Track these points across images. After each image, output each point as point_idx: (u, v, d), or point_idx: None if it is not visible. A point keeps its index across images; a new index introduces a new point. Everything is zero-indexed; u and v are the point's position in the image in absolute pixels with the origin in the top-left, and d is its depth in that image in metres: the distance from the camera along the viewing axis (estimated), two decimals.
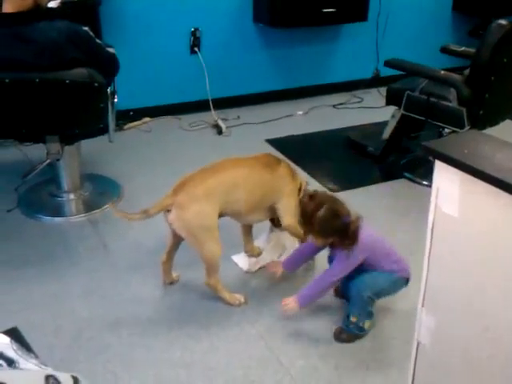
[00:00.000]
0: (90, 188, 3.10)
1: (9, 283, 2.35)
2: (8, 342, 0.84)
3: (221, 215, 2.22)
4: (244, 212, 2.28)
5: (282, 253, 2.45)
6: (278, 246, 2.48)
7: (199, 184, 2.14)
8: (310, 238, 2.11)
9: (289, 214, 2.29)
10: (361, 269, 2.06)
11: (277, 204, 2.30)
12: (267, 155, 2.38)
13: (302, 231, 2.22)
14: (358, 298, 2.05)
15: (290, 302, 2.07)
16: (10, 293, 2.29)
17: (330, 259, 2.19)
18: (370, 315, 2.09)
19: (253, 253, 2.53)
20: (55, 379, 0.76)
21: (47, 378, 0.75)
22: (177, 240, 2.26)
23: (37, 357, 0.96)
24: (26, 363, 0.81)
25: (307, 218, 2.01)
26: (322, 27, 4.39)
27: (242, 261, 2.50)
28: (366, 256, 2.03)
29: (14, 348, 0.83)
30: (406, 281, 2.11)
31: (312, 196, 2.04)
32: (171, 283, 2.37)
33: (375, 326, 2.15)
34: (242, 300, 2.27)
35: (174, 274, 2.40)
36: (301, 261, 2.29)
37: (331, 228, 1.99)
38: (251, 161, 2.32)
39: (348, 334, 2.10)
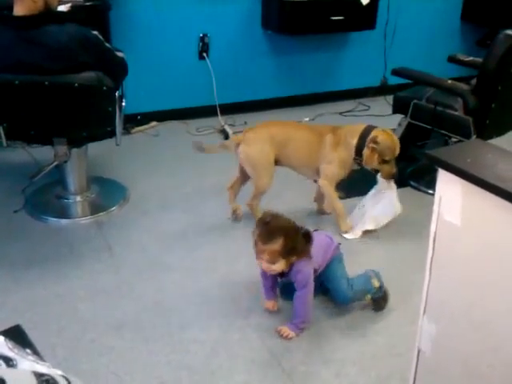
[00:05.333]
0: (96, 190, 3.12)
1: (13, 283, 2.37)
2: (2, 341, 0.84)
3: (278, 162, 2.76)
4: (294, 164, 2.82)
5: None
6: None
7: (264, 128, 2.78)
8: (275, 267, 2.10)
9: (324, 176, 2.75)
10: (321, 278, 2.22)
11: (320, 166, 2.75)
12: (326, 126, 2.84)
13: (333, 193, 2.76)
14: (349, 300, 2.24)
15: (287, 332, 2.12)
16: (15, 293, 2.31)
17: (284, 284, 2.26)
18: (362, 293, 2.24)
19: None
20: (50, 378, 0.77)
21: (37, 375, 0.75)
22: (242, 175, 2.81)
23: (35, 353, 0.97)
24: (24, 361, 0.81)
25: (263, 229, 2.06)
26: (330, 35, 4.39)
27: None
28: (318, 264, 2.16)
29: (10, 346, 0.84)
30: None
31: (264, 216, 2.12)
32: (235, 211, 2.87)
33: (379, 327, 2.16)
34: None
35: (237, 206, 2.88)
36: (274, 290, 2.28)
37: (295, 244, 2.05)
38: (310, 127, 3.01)
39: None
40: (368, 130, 2.70)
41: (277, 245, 2.01)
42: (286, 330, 2.12)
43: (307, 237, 2.09)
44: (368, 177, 2.81)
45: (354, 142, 2.69)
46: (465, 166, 1.20)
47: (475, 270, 1.27)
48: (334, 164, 2.73)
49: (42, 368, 0.82)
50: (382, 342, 2.13)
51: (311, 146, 2.75)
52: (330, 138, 2.73)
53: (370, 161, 2.65)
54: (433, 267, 1.37)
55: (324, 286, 2.26)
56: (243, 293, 2.36)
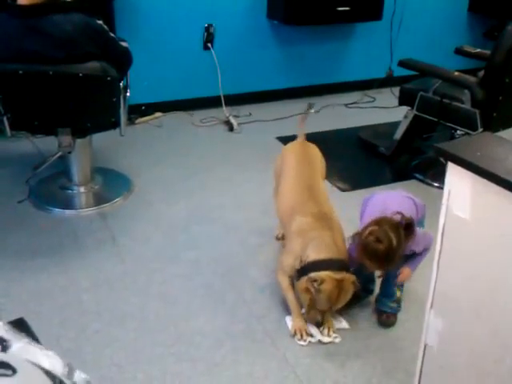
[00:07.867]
0: (100, 181, 3.11)
1: (18, 274, 2.36)
2: (0, 324, 0.88)
3: None
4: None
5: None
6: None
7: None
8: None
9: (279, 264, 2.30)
10: None
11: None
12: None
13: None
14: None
15: (407, 272, 2.11)
16: (19, 283, 2.31)
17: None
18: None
19: None
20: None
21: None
22: None
23: (36, 341, 1.00)
24: (18, 342, 0.85)
25: (386, 257, 1.93)
26: (336, 25, 4.37)
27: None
28: None
29: (6, 329, 0.87)
30: None
31: (378, 238, 1.91)
32: None
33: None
34: None
35: None
36: None
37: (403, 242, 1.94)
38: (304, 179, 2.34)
39: (395, 315, 2.18)
40: (324, 263, 2.01)
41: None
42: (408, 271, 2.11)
43: (407, 231, 1.96)
44: (373, 169, 2.79)
45: (306, 257, 2.06)
46: (475, 160, 1.18)
47: (484, 265, 1.26)
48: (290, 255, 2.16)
49: (36, 350, 0.86)
50: (387, 335, 2.12)
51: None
52: (301, 219, 2.17)
53: (300, 296, 2.10)
54: (441, 261, 1.36)
55: None
56: (247, 285, 2.35)
